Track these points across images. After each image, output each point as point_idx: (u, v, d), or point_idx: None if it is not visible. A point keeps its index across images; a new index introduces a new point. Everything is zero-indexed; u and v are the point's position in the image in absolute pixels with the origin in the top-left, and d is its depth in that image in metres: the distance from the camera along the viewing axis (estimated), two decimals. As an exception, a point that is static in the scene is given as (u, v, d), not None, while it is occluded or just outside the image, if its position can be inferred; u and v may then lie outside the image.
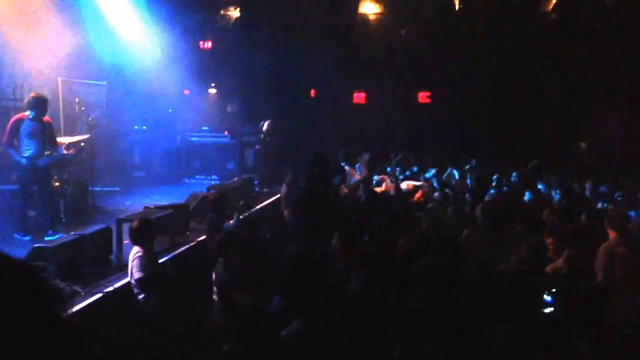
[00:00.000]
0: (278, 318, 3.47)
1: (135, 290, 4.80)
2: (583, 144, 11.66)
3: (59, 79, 8.85)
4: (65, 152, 7.02)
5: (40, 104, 6.43)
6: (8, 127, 6.41)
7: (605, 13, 13.14)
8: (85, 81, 9.60)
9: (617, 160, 10.91)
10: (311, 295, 3.57)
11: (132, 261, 4.75)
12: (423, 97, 14.96)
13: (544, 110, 13.92)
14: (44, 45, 8.43)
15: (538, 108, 13.90)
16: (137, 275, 4.69)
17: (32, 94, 6.63)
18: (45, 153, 6.55)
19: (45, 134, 6.53)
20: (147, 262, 4.72)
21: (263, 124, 11.16)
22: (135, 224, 4.97)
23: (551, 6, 13.87)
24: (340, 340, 3.28)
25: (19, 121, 6.39)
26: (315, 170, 5.42)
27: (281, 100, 13.69)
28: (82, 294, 4.73)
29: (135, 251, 4.81)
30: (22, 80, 8.11)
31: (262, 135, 11.09)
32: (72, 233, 5.59)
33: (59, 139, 7.83)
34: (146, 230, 4.93)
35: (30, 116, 6.39)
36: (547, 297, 3.46)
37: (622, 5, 12.87)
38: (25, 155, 6.36)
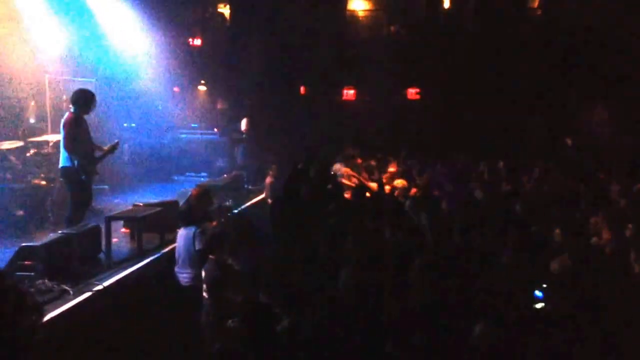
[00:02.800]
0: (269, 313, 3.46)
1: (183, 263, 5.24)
2: (569, 140, 11.80)
3: (46, 76, 8.75)
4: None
5: (86, 99, 5.96)
6: (66, 130, 5.81)
7: (589, 10, 13.32)
8: (73, 78, 9.49)
9: (603, 155, 11.04)
10: (299, 293, 3.59)
11: (195, 237, 5.21)
12: (412, 93, 15.01)
13: (531, 106, 14.03)
14: (31, 42, 8.34)
15: (525, 103, 14.01)
16: (198, 246, 5.14)
17: (77, 89, 6.16)
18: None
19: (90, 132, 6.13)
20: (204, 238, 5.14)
21: (241, 123, 11.32)
22: (184, 206, 5.97)
23: (537, 3, 13.99)
24: (331, 336, 3.29)
25: (74, 121, 5.86)
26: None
27: (271, 97, 13.66)
28: (71, 293, 4.70)
29: (192, 231, 5.26)
30: (9, 78, 8.02)
31: (243, 135, 11.24)
32: (60, 232, 5.53)
33: (45, 137, 7.77)
34: (198, 211, 5.63)
35: (78, 113, 5.90)
36: (538, 293, 3.48)
37: (606, 2, 13.05)
38: (89, 155, 5.97)
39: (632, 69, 12.61)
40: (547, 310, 3.39)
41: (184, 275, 5.29)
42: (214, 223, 6.27)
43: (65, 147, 5.84)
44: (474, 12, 14.06)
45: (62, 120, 6.00)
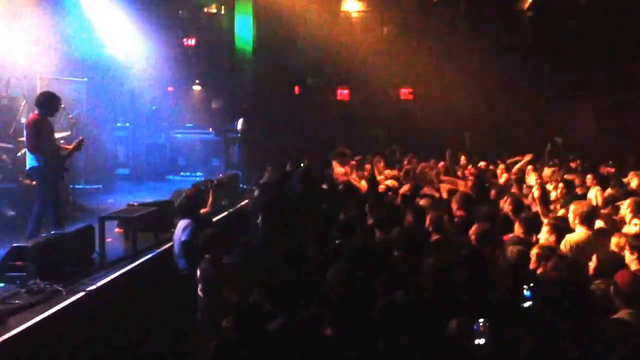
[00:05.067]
0: (259, 312, 3.45)
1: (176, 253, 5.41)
2: (559, 139, 11.94)
3: (38, 75, 8.66)
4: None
5: (50, 101, 5.98)
6: (30, 131, 5.78)
7: (579, 11, 13.54)
8: (66, 78, 9.42)
9: (593, 154, 11.20)
10: (294, 291, 3.56)
11: (183, 230, 5.34)
12: (405, 93, 15.05)
13: (522, 105, 14.16)
14: (24, 42, 8.26)
15: (516, 103, 14.14)
16: (183, 238, 5.29)
17: (44, 92, 6.22)
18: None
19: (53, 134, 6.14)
20: (194, 230, 5.25)
21: (237, 123, 11.32)
22: (183, 199, 5.93)
23: (527, 4, 14.15)
24: (325, 334, 3.26)
25: (37, 122, 5.84)
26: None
27: (265, 97, 13.64)
28: (64, 293, 4.65)
29: (185, 223, 5.39)
30: (0, 78, 7.94)
31: (239, 135, 11.23)
32: (53, 232, 5.47)
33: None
34: (193, 203, 5.73)
35: (41, 115, 5.91)
36: (526, 292, 3.50)
37: (595, 4, 13.27)
38: (55, 157, 5.93)
39: (620, 69, 12.84)
40: (536, 309, 3.41)
41: (178, 264, 5.46)
42: (210, 202, 6.35)
43: (29, 148, 5.84)
44: (465, 13, 14.17)
45: (25, 122, 6.02)
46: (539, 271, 3.90)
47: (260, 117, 12.64)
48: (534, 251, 4.02)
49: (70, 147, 6.22)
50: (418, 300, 3.50)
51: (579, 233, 4.57)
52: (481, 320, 2.96)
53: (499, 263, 4.19)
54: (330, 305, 3.46)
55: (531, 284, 3.54)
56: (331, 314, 3.34)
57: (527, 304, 3.49)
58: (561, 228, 4.56)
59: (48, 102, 5.98)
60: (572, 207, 4.77)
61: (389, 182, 7.77)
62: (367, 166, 9.31)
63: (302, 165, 6.14)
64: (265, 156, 10.80)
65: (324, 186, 7.28)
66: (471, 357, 2.99)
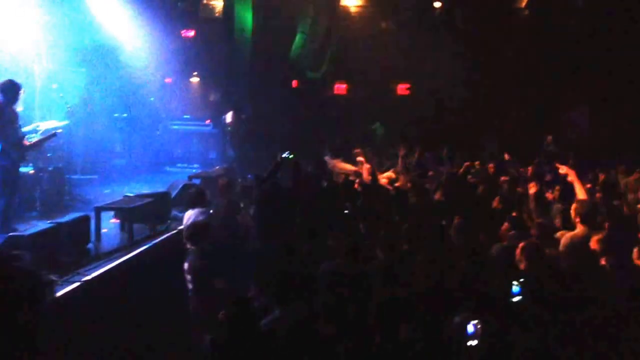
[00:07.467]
0: (258, 307, 3.48)
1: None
2: (549, 137, 12.02)
3: (35, 65, 8.63)
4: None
5: (11, 89, 5.94)
6: None
7: (576, 11, 13.59)
8: (64, 67, 9.38)
9: (584, 152, 11.25)
10: (291, 285, 3.59)
11: (197, 217, 5.46)
12: (402, 88, 15.05)
13: (516, 103, 14.20)
14: (23, 30, 8.22)
15: (510, 101, 14.17)
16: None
17: (7, 80, 6.13)
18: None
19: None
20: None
21: (226, 117, 11.33)
22: (192, 190, 6.30)
23: (524, 3, 14.18)
24: (321, 328, 3.30)
25: None
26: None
27: (263, 91, 13.62)
28: (59, 282, 4.67)
29: (201, 211, 5.57)
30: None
31: (228, 128, 11.24)
32: (49, 221, 5.48)
33: (34, 126, 7.68)
34: (201, 197, 5.93)
35: (4, 103, 5.88)
36: (515, 288, 3.53)
37: (591, 4, 13.32)
38: (15, 145, 5.88)
39: (613, 68, 12.89)
40: (524, 305, 3.45)
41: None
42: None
43: None
44: (463, 10, 14.18)
45: None
46: (521, 266, 3.95)
47: (257, 111, 12.63)
48: (520, 246, 4.07)
49: (36, 140, 6.29)
50: (415, 295, 3.54)
51: (577, 231, 4.60)
52: (476, 321, 2.98)
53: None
54: (326, 300, 3.48)
55: (521, 280, 3.58)
56: (327, 309, 3.37)
57: (516, 299, 3.53)
58: (546, 228, 4.63)
59: (9, 89, 5.90)
60: (573, 205, 4.80)
61: (385, 175, 7.82)
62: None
63: (291, 156, 6.14)
64: (261, 150, 10.82)
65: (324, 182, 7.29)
66: (467, 353, 3.02)
